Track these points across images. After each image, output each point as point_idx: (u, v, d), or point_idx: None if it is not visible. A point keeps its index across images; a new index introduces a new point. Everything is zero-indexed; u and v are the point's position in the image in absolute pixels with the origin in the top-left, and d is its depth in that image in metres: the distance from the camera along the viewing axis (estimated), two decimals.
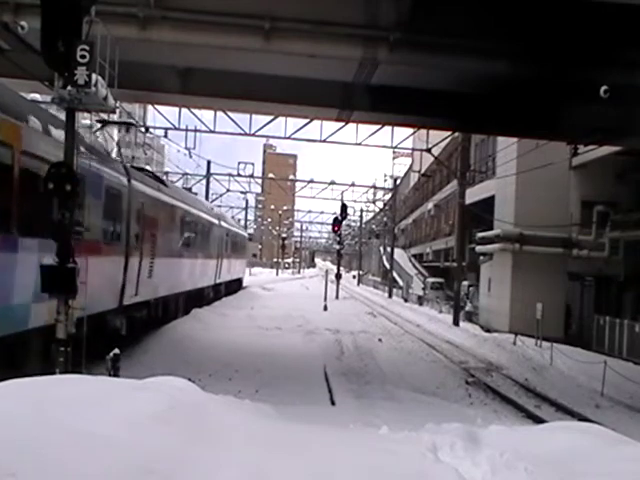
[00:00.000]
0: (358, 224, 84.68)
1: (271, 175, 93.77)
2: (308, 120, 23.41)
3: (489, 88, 16.48)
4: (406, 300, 49.73)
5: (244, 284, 51.03)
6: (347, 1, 13.18)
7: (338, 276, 49.95)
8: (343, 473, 4.87)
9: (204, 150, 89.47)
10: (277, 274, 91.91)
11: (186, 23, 12.89)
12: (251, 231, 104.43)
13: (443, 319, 33.21)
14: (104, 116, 16.28)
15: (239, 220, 77.28)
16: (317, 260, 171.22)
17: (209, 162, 51.40)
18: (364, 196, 69.31)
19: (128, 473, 3.99)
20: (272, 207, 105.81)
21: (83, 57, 8.88)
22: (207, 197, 50.28)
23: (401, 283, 57.36)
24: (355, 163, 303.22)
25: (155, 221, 18.23)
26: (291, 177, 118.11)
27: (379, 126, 23.93)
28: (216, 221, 30.93)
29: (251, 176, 54.71)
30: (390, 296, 53.55)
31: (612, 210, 26.88)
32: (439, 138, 31.45)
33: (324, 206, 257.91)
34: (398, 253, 62.63)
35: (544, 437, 7.02)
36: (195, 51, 15.25)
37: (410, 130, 30.35)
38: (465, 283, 37.01)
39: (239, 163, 51.07)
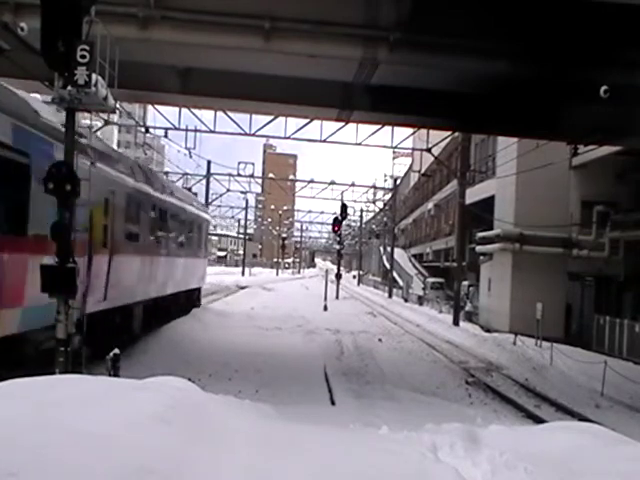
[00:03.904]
0: (358, 224, 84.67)
1: (271, 175, 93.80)
2: (308, 120, 23.40)
3: (489, 88, 16.48)
4: (406, 300, 49.69)
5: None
6: (347, 1, 13.17)
7: (338, 276, 49.93)
8: (343, 473, 4.87)
9: (204, 150, 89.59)
10: (277, 274, 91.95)
11: (186, 23, 12.89)
12: (251, 231, 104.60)
13: (443, 319, 33.18)
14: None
15: (239, 220, 77.09)
16: (317, 260, 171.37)
17: (209, 162, 51.44)
18: (364, 196, 69.35)
19: (128, 473, 3.98)
20: (272, 207, 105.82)
21: (83, 57, 8.87)
22: (207, 197, 50.24)
23: (401, 283, 57.34)
24: (355, 163, 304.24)
25: None
26: (291, 177, 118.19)
27: (379, 126, 23.91)
28: (93, 166, 11.94)
29: (251, 176, 54.65)
30: (390, 296, 53.51)
31: (612, 210, 26.88)
32: (439, 138, 31.42)
33: (324, 206, 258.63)
34: (398, 253, 62.61)
35: (544, 437, 7.02)
36: (195, 51, 15.25)
37: (410, 130, 30.33)
38: (465, 283, 37.00)
39: (239, 163, 50.96)
